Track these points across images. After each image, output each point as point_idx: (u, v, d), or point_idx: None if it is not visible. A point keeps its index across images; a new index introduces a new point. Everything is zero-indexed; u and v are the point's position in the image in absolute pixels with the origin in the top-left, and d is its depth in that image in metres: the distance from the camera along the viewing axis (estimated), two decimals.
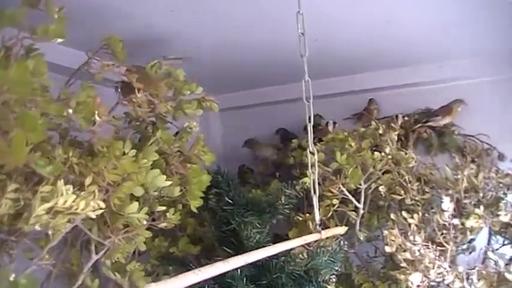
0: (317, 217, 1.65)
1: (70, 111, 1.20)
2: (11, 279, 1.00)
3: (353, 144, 2.07)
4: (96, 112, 1.25)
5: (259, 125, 3.18)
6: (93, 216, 1.24)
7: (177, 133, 1.73)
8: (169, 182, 1.45)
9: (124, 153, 1.35)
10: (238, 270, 1.67)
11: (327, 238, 1.85)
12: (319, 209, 1.97)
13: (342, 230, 1.73)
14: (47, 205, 1.15)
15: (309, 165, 1.64)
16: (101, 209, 1.24)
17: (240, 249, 1.78)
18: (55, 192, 1.16)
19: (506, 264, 1.89)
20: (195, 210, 1.64)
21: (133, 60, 1.61)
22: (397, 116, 2.63)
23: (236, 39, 2.19)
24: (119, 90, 1.62)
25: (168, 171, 1.59)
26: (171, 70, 1.71)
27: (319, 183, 2.02)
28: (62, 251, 1.64)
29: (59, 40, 1.11)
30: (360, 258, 2.31)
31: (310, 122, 1.58)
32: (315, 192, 1.64)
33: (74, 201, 1.18)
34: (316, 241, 1.83)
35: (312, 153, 1.63)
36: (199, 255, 2.02)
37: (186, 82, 1.70)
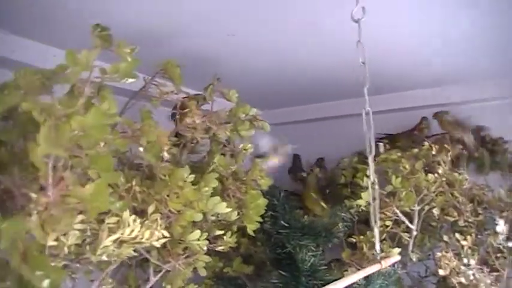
0: (377, 247, 1.64)
1: (141, 149, 1.23)
2: None
3: (407, 166, 2.06)
4: (165, 149, 1.28)
5: (309, 142, 3.17)
6: (158, 245, 1.27)
7: (231, 155, 1.75)
8: (230, 209, 1.47)
9: (185, 182, 1.37)
10: None
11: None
12: (372, 232, 1.98)
13: (399, 257, 1.72)
14: (114, 236, 1.18)
15: (371, 196, 1.63)
16: (165, 238, 1.27)
17: (295, 271, 1.79)
18: (121, 223, 1.19)
19: None
20: (251, 233, 1.65)
21: (187, 82, 1.62)
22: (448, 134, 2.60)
23: (290, 60, 2.20)
24: (175, 117, 1.63)
25: (225, 195, 1.60)
26: (224, 92, 1.73)
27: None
28: (118, 271, 1.66)
29: (130, 80, 1.13)
30: (412, 278, 2.29)
31: (371, 153, 1.58)
32: (375, 222, 1.63)
33: (139, 231, 1.21)
34: (368, 262, 1.84)
35: (373, 183, 1.63)
36: (252, 275, 2.03)
37: (238, 103, 1.72)
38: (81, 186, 0.98)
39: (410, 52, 2.14)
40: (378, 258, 1.64)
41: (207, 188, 1.43)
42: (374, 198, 1.63)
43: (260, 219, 1.65)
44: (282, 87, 2.73)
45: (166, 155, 1.30)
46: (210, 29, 1.83)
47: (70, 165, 0.99)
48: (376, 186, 1.63)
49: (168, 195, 1.33)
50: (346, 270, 1.94)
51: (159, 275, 1.52)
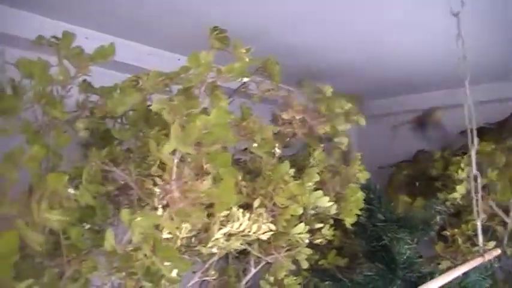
0: (480, 241, 1.64)
1: (255, 145, 1.27)
2: None
3: (503, 158, 2.04)
4: (277, 145, 1.32)
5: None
6: (265, 238, 1.31)
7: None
8: (332, 203, 1.50)
9: (290, 176, 1.41)
10: (394, 286, 1.70)
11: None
12: (467, 224, 1.97)
13: (499, 250, 1.71)
14: (225, 230, 1.23)
15: (473, 190, 1.63)
16: (271, 231, 1.31)
17: (392, 264, 1.80)
18: (231, 217, 1.23)
19: None
20: (349, 226, 1.68)
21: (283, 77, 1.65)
22: None
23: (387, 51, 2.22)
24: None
25: (325, 189, 1.63)
26: (320, 87, 1.75)
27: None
28: (217, 262, 1.71)
29: (245, 79, 1.17)
30: (505, 272, 2.27)
31: (473, 144, 1.57)
32: (478, 215, 1.63)
33: (247, 225, 1.25)
34: (463, 256, 1.84)
35: (476, 177, 1.62)
36: (344, 267, 2.05)
37: (334, 99, 1.74)
38: (198, 182, 1.03)
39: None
40: (481, 251, 1.63)
41: (310, 183, 1.46)
42: (476, 192, 1.63)
43: (359, 213, 1.66)
44: (378, 80, 2.73)
45: (278, 151, 1.34)
46: (306, 25, 1.85)
47: (188, 161, 1.04)
48: (479, 180, 1.63)
49: (273, 190, 1.36)
50: (439, 264, 1.94)
51: (259, 266, 1.57)
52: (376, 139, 3.04)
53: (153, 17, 1.71)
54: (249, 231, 1.27)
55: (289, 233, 1.42)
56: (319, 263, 2.01)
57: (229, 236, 1.27)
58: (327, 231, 1.62)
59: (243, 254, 1.68)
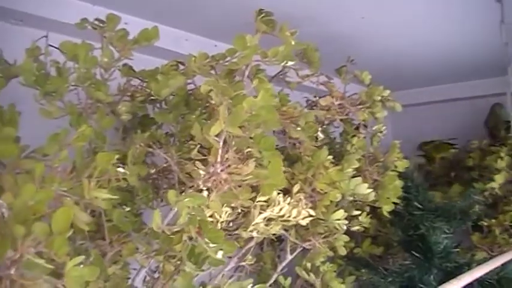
0: None
1: (298, 129, 1.27)
2: None
3: None
4: (319, 129, 1.31)
5: (432, 124, 3.13)
6: (304, 224, 1.30)
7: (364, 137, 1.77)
8: (370, 190, 1.49)
9: (331, 163, 1.40)
10: (431, 275, 1.69)
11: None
12: (505, 214, 1.95)
13: None
14: (265, 214, 1.23)
15: None
16: (311, 216, 1.31)
17: (428, 253, 1.79)
18: (271, 202, 1.23)
19: None
20: (386, 214, 1.67)
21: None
22: None
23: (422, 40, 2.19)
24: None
25: (363, 176, 1.62)
26: (357, 74, 1.74)
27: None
28: (253, 249, 1.71)
29: (290, 63, 1.17)
30: None
31: None
32: None
33: (287, 210, 1.25)
34: (499, 247, 1.82)
35: None
36: (380, 256, 2.04)
37: (373, 86, 1.73)
38: (243, 165, 1.03)
39: None
40: None
41: (350, 169, 1.45)
42: None
43: (397, 201, 1.65)
44: (414, 69, 2.71)
45: (320, 135, 1.34)
46: (342, 13, 1.84)
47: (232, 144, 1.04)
48: None
49: (313, 176, 1.36)
50: (475, 255, 1.93)
51: (295, 253, 1.56)
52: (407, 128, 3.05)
53: (191, 2, 1.71)
54: (289, 216, 1.27)
55: (328, 219, 1.41)
56: (354, 251, 2.01)
57: (268, 220, 1.27)
58: (364, 219, 1.62)
59: (279, 240, 1.69)
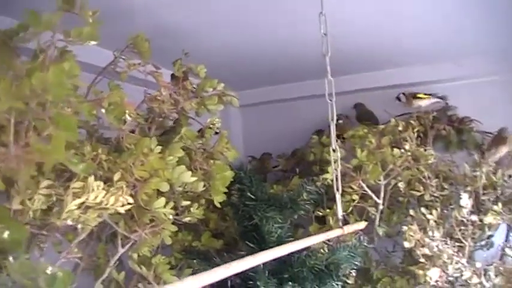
0: (339, 213, 1.66)
1: (103, 111, 1.24)
2: (48, 272, 1.03)
3: (373, 141, 2.10)
4: (127, 111, 1.30)
5: (281, 121, 3.19)
6: (122, 211, 1.28)
7: (200, 130, 1.78)
8: (194, 178, 1.49)
9: (151, 150, 1.39)
10: (261, 264, 1.71)
11: (348, 233, 1.89)
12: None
13: (363, 225, 1.76)
14: (79, 201, 1.20)
15: (332, 162, 1.66)
16: (129, 204, 1.29)
17: (262, 243, 1.81)
18: (86, 188, 1.21)
19: None
20: (218, 205, 1.67)
21: (155, 57, 1.63)
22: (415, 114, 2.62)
23: (256, 36, 2.22)
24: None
25: (192, 167, 1.62)
26: (192, 67, 1.75)
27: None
28: (88, 244, 1.68)
29: (93, 43, 1.15)
30: (379, 253, 2.34)
31: (332, 120, 1.61)
32: (337, 189, 1.66)
33: (104, 197, 1.23)
34: (337, 237, 1.87)
35: (334, 151, 1.66)
36: (222, 250, 2.05)
37: (206, 79, 1.74)
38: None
39: (380, 32, 2.17)
40: (340, 224, 1.66)
41: (171, 157, 1.45)
42: (335, 163, 1.66)
43: (226, 190, 1.67)
44: (254, 68, 2.74)
45: (128, 118, 1.32)
46: (180, 5, 1.83)
47: (33, 126, 1.00)
48: (338, 153, 1.66)
49: (133, 163, 1.35)
50: None
51: (127, 246, 1.54)
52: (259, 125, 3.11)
53: None
54: (106, 204, 1.24)
55: (151, 208, 1.40)
56: (193, 244, 2.01)
57: (86, 208, 1.24)
58: (196, 210, 1.62)
59: (114, 235, 1.66)
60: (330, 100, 1.59)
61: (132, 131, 1.47)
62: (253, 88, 3.14)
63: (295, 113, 3.18)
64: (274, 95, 3.22)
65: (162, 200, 1.40)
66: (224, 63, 2.39)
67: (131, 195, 1.32)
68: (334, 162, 1.66)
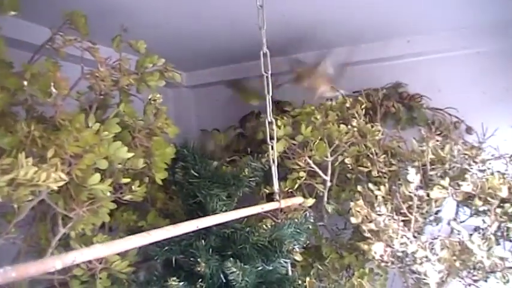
0: (276, 186, 1.67)
1: (25, 83, 1.22)
2: None
3: (319, 117, 2.10)
4: (53, 84, 1.27)
5: (232, 101, 3.18)
6: (55, 188, 1.26)
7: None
8: (131, 154, 1.47)
9: (88, 127, 1.37)
10: (203, 240, 1.70)
11: (294, 210, 1.89)
12: (286, 181, 2.02)
13: (300, 199, 1.76)
14: (8, 177, 1.17)
15: (268, 135, 1.66)
16: (62, 180, 1.27)
17: None
18: (15, 164, 1.18)
19: (470, 234, 1.92)
20: (159, 182, 1.66)
21: (96, 33, 1.61)
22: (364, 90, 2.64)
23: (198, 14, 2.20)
24: None
25: (133, 144, 1.61)
26: (132, 43, 1.72)
27: (287, 157, 2.06)
28: (31, 226, 1.65)
29: (13, 13, 1.12)
30: (329, 230, 2.35)
31: (268, 93, 1.61)
32: (273, 161, 1.66)
33: (35, 173, 1.20)
34: (284, 213, 1.87)
35: (270, 123, 1.65)
36: None
37: (147, 55, 1.72)
38: None
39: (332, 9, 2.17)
40: (277, 197, 1.66)
41: (106, 132, 1.43)
42: (271, 138, 1.66)
43: (166, 167, 1.66)
44: (199, 48, 2.72)
45: (54, 90, 1.29)
46: None
47: None
48: (274, 127, 1.66)
49: (66, 139, 1.32)
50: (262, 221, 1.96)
51: (69, 225, 1.52)
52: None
53: None
54: (38, 180, 1.22)
55: (87, 184, 1.38)
56: (139, 224, 1.99)
57: (17, 185, 1.21)
58: (137, 188, 1.60)
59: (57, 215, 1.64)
60: (266, 73, 1.58)
61: None
62: (204, 68, 3.13)
63: None
64: (224, 75, 3.20)
65: (97, 176, 1.38)
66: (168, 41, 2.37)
67: (67, 173, 1.30)
68: (270, 135, 1.66)
